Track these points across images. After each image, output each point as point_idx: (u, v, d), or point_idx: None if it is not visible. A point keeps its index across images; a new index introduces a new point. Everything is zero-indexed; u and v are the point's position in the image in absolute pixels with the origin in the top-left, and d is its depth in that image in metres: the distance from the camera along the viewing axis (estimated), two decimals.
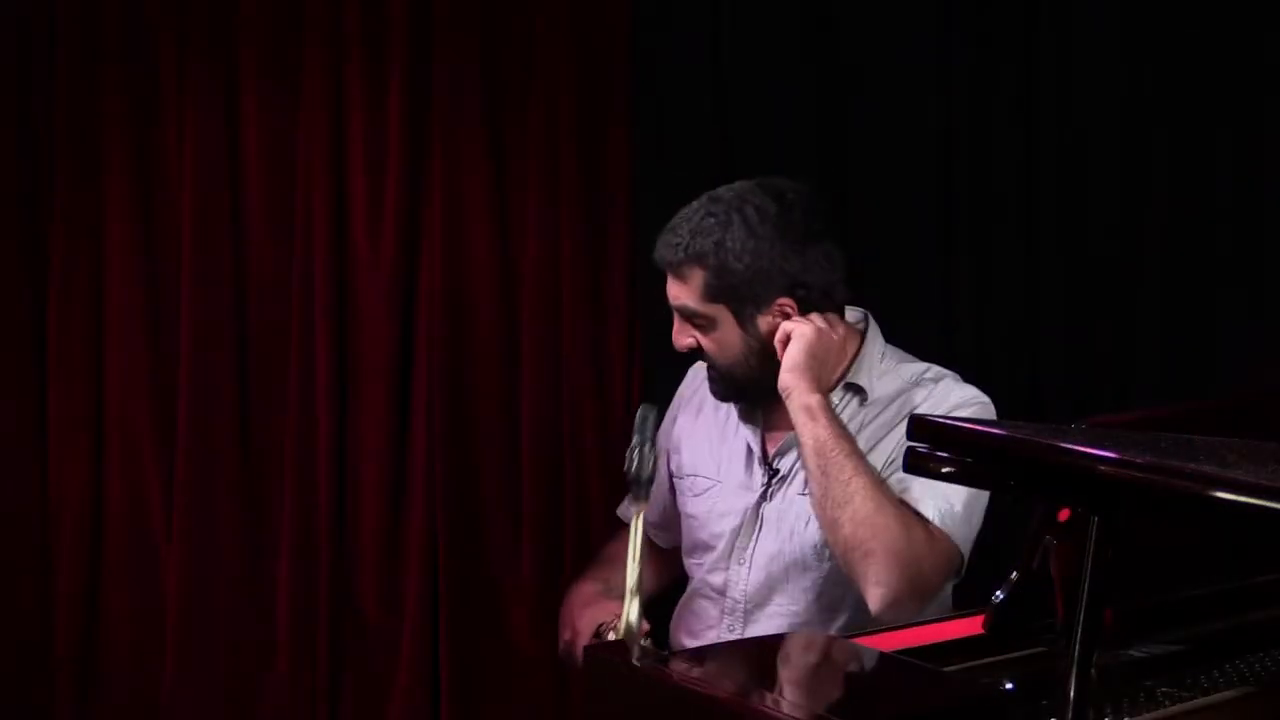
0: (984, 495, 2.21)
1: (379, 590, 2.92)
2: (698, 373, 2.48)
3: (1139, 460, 1.35)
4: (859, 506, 2.07)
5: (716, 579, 2.34)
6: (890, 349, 2.36)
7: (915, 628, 1.93)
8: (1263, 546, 1.69)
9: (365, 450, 2.93)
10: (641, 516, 2.10)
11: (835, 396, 2.28)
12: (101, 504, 3.01)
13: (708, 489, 2.39)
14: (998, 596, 1.71)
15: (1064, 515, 1.53)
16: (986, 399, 2.26)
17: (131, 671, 3.00)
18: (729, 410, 2.39)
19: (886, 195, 2.77)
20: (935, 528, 2.14)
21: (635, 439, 2.14)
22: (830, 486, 2.10)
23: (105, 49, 2.96)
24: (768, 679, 1.75)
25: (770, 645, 1.99)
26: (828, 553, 2.21)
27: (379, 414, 2.93)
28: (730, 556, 2.33)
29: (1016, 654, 1.74)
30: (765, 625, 2.28)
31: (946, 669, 1.71)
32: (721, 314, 2.24)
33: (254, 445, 3.00)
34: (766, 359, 2.23)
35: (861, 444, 2.22)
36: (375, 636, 2.94)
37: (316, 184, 2.93)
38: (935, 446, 1.48)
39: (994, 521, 2.31)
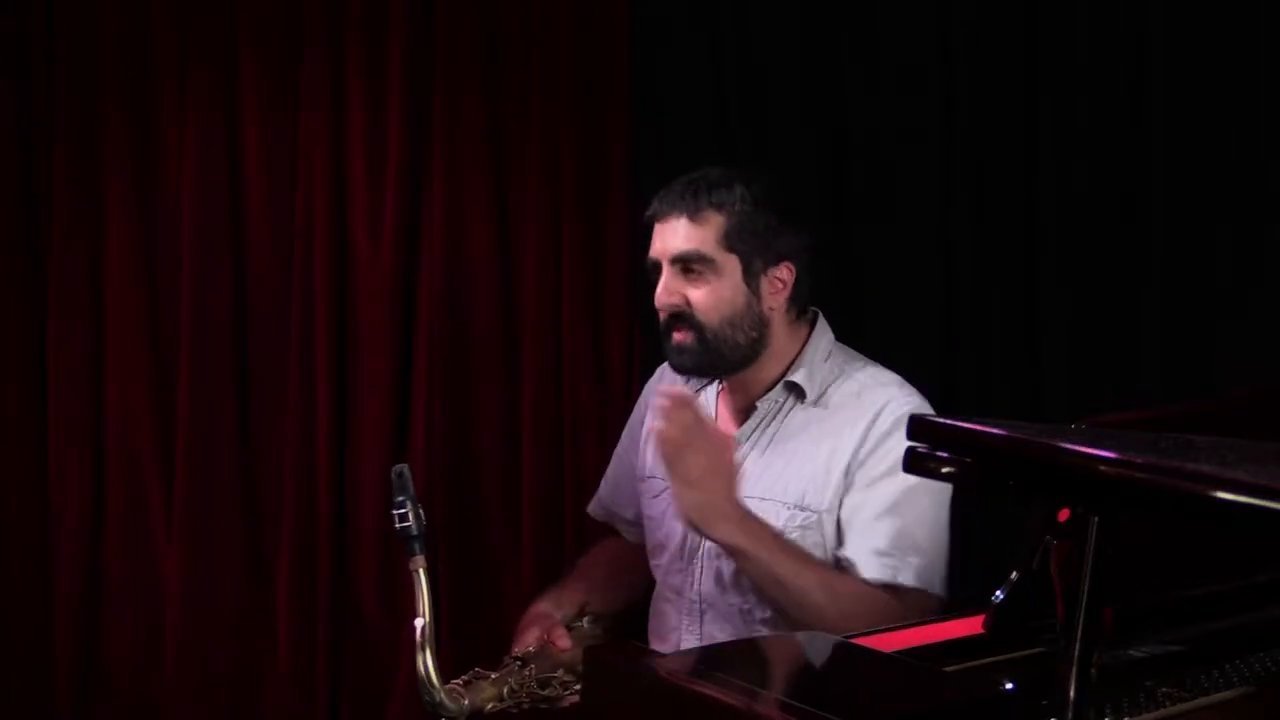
0: (943, 515, 2.21)
1: (379, 590, 2.93)
2: (664, 371, 2.48)
3: (1139, 460, 1.35)
4: (825, 617, 2.05)
5: (673, 580, 2.34)
6: (839, 348, 2.34)
7: (915, 628, 1.93)
8: (1263, 546, 1.69)
9: (365, 450, 2.93)
10: (424, 571, 2.06)
11: (775, 395, 2.28)
12: (102, 505, 3.02)
13: (663, 490, 2.38)
14: (998, 596, 1.72)
15: (1064, 515, 1.53)
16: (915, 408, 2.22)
17: (131, 671, 3.01)
18: None
19: (887, 195, 2.76)
20: (908, 588, 2.15)
21: (399, 498, 2.07)
22: (790, 609, 2.11)
23: (105, 49, 2.97)
24: (768, 679, 1.75)
25: (770, 645, 1.99)
26: None
27: (379, 414, 2.93)
28: (683, 556, 2.32)
29: (1016, 654, 1.74)
30: (721, 626, 2.26)
31: (946, 669, 1.71)
32: (730, 264, 2.23)
33: (254, 446, 3.01)
34: (754, 324, 2.24)
35: (797, 445, 2.24)
36: (375, 636, 2.94)
37: (316, 184, 2.94)
38: (935, 446, 1.48)
39: (994, 522, 2.31)
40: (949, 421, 1.50)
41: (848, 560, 2.18)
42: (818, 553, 2.21)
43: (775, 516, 2.23)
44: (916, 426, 1.49)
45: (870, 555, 2.16)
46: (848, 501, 2.20)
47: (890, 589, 2.14)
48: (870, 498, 2.18)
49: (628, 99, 2.85)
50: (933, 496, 2.19)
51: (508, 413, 2.92)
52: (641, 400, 2.54)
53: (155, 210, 3.01)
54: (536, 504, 2.88)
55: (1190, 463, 1.34)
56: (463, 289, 2.92)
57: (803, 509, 2.22)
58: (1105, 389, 2.59)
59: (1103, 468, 1.35)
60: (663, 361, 2.51)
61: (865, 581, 2.14)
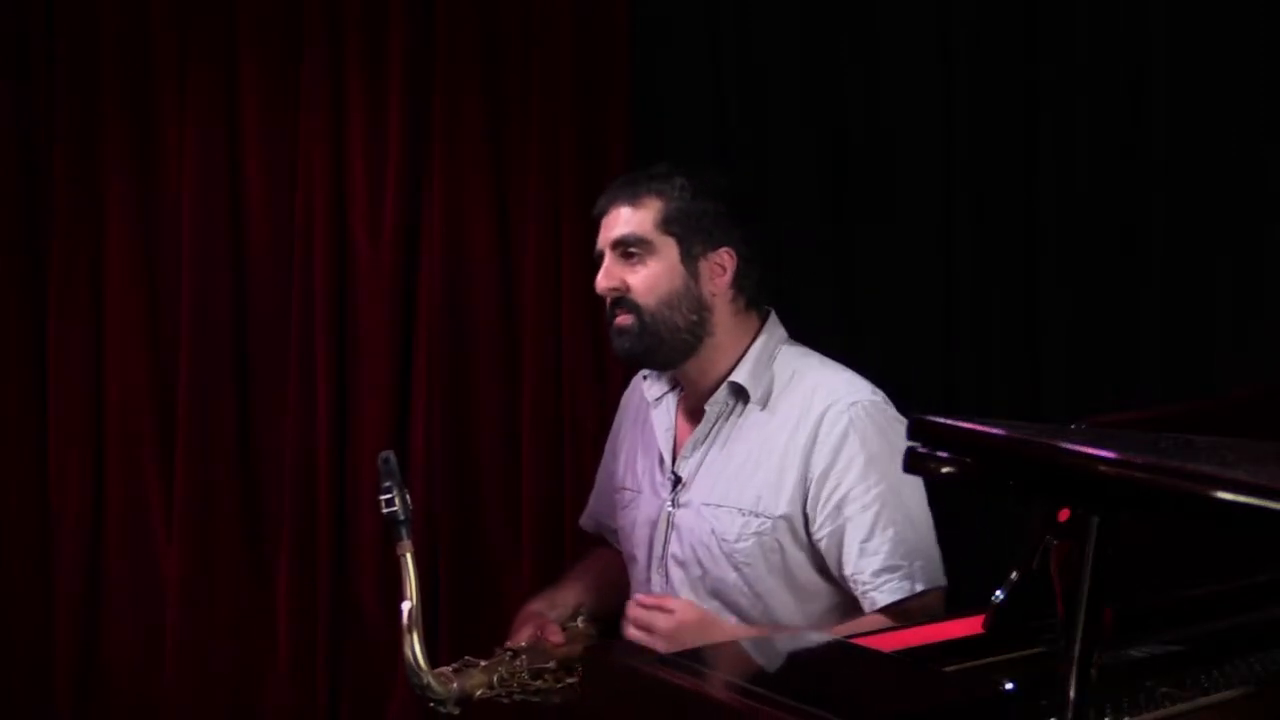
0: (923, 500, 2.19)
1: (379, 590, 2.92)
2: (636, 383, 2.49)
3: (1139, 460, 1.35)
4: None
5: (642, 590, 2.35)
6: (792, 347, 2.33)
7: (915, 628, 1.93)
8: (1263, 546, 1.69)
9: (365, 450, 2.93)
10: (410, 556, 2.09)
11: (721, 397, 2.28)
12: (102, 504, 3.02)
13: (631, 501, 2.41)
14: (998, 596, 1.72)
15: (1064, 515, 1.53)
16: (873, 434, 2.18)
17: (131, 671, 3.01)
18: (649, 419, 2.39)
19: (887, 195, 2.76)
20: (920, 593, 2.14)
21: (386, 483, 2.11)
22: None
23: (105, 49, 2.97)
24: (767, 679, 1.75)
25: (770, 645, 2.00)
26: (739, 559, 2.22)
27: (379, 413, 2.93)
28: (650, 566, 2.33)
29: (1016, 654, 1.74)
30: None
31: (946, 669, 1.71)
32: (667, 246, 2.25)
33: (253, 446, 3.00)
34: (693, 307, 2.25)
35: (750, 449, 2.23)
36: (375, 636, 2.94)
37: (316, 184, 2.93)
38: (935, 447, 1.48)
39: (994, 522, 2.31)
40: (949, 421, 1.50)
41: (858, 586, 2.16)
42: (773, 557, 2.21)
43: (730, 523, 2.23)
44: (916, 426, 1.49)
45: (880, 578, 2.14)
46: (824, 520, 2.18)
47: (906, 601, 2.13)
48: (852, 516, 2.16)
49: (628, 99, 2.85)
50: (908, 487, 2.18)
51: (508, 413, 2.92)
52: (619, 412, 2.55)
53: (155, 210, 3.00)
54: (536, 504, 2.88)
55: (1190, 463, 1.34)
56: (463, 289, 2.91)
57: (757, 515, 2.21)
58: (1105, 389, 2.59)
59: (1103, 468, 1.35)
60: None
61: (884, 607, 2.13)
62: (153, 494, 3.00)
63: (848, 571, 2.17)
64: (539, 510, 2.88)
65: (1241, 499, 1.25)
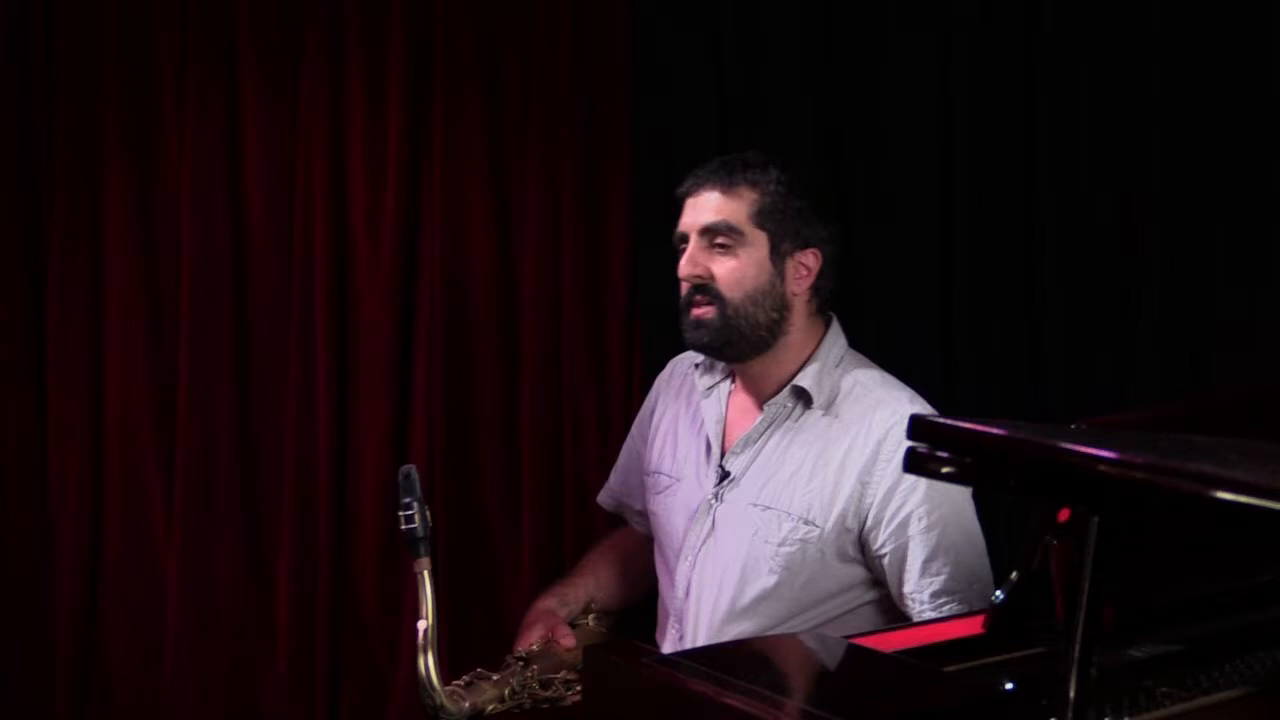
0: (975, 519, 2.20)
1: (379, 590, 2.93)
2: (676, 365, 2.47)
3: (1139, 460, 1.35)
4: None
5: (665, 577, 2.34)
6: (853, 355, 2.32)
7: (915, 628, 1.93)
8: (1263, 546, 1.69)
9: (365, 450, 2.93)
10: (429, 573, 2.05)
11: (782, 399, 2.26)
12: (102, 505, 3.02)
13: (667, 487, 2.38)
14: (998, 596, 1.72)
15: (1064, 515, 1.53)
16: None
17: (131, 671, 3.01)
18: (697, 407, 2.37)
19: (887, 195, 2.76)
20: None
21: (406, 499, 2.06)
22: None
23: (105, 49, 2.97)
24: (768, 679, 1.75)
25: (770, 645, 1.99)
26: (778, 564, 2.20)
27: (379, 414, 2.93)
28: (682, 556, 2.30)
29: (1016, 654, 1.74)
30: (718, 630, 2.25)
31: (946, 669, 1.71)
32: (758, 240, 2.23)
33: (254, 446, 3.00)
34: (775, 305, 2.23)
35: (805, 455, 2.21)
36: (375, 636, 2.94)
37: (316, 184, 2.94)
38: (935, 446, 1.48)
39: (994, 521, 2.31)
40: (949, 421, 1.50)
41: (913, 605, 2.15)
42: (813, 566, 2.19)
43: (777, 527, 2.21)
44: (916, 426, 1.49)
45: (938, 600, 2.13)
46: (886, 539, 2.16)
47: None
48: (915, 535, 2.15)
49: (628, 99, 2.85)
50: (968, 511, 2.18)
51: (508, 412, 2.92)
52: (652, 393, 2.53)
53: (155, 210, 3.01)
54: (536, 504, 2.88)
55: (1190, 463, 1.34)
56: (463, 288, 2.92)
57: (806, 522, 2.20)
58: (1105, 389, 2.59)
59: (1103, 468, 1.35)
60: (665, 359, 2.51)
61: None
62: (153, 494, 3.00)
63: (906, 590, 2.16)
64: (539, 510, 2.88)
65: (1241, 499, 1.25)
